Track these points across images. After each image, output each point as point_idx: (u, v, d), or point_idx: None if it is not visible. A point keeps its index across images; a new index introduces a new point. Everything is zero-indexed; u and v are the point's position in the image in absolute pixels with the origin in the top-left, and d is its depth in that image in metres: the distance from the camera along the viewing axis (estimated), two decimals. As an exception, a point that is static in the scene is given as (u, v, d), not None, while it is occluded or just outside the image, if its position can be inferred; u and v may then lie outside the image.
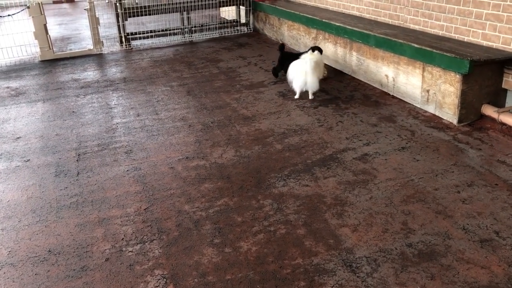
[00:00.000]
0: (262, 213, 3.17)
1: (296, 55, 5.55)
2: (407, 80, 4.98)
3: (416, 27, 5.43)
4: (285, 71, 5.57)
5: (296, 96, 5.28)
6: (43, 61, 7.29)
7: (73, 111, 5.16)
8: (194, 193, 3.44)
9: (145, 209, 3.27)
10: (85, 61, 7.25)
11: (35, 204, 3.39)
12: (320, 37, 6.58)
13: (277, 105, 5.11)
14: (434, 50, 4.46)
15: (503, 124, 4.27)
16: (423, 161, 3.78)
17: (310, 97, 5.23)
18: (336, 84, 5.70)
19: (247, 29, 8.87)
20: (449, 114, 4.48)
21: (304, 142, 4.20)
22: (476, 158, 3.78)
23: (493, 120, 4.36)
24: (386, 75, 5.30)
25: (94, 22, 7.47)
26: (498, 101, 4.49)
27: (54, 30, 9.84)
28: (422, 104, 4.83)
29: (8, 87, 6.08)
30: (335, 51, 6.26)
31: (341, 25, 5.90)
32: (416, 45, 4.69)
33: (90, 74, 6.53)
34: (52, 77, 6.44)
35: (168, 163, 3.91)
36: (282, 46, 6.01)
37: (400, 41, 4.91)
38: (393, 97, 5.20)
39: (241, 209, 3.23)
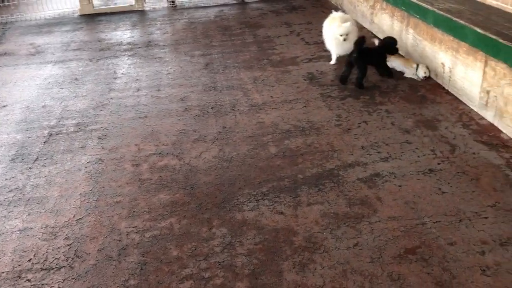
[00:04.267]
0: (206, 248, 2.48)
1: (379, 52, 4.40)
2: (465, 74, 3.85)
3: (493, 3, 4.17)
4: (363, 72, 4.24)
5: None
6: (81, 16, 6.94)
7: (76, 78, 4.71)
8: (141, 205, 2.83)
9: (77, 220, 2.73)
10: (122, 18, 6.77)
11: (-31, 195, 2.99)
12: (378, 6, 5.46)
13: (298, 90, 4.25)
14: (501, 40, 3.30)
15: None
16: (450, 194, 2.81)
17: None
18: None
19: (308, -11, 7.79)
20: (510, 127, 3.36)
21: (307, 147, 3.37)
22: (529, 200, 2.74)
23: None
24: (443, 64, 4.18)
25: (135, -24, 6.92)
26: None
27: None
28: (479, 108, 3.72)
29: (31, 44, 5.80)
30: (391, 25, 5.15)
31: (399, -7, 4.77)
32: (479, 30, 3.54)
33: (118, 34, 6.04)
34: (79, 35, 6.05)
35: (136, 158, 3.31)
36: (362, 39, 4.21)
37: (461, 22, 3.75)
38: (447, 92, 4.09)
39: (184, 238, 2.56)
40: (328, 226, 2.60)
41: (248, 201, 2.83)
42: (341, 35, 4.36)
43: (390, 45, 4.40)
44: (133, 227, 2.65)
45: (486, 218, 2.61)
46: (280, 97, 4.14)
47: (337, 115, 3.80)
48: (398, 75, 4.44)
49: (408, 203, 2.76)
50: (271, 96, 4.16)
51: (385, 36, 4.76)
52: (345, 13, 4.66)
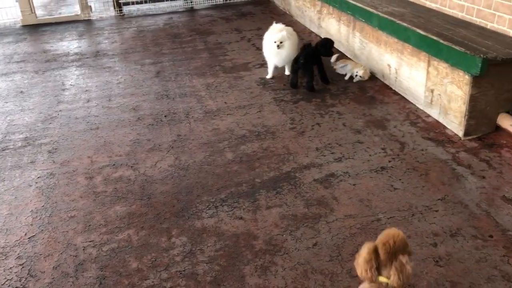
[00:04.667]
0: (166, 258, 2.46)
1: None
2: (410, 74, 4.01)
3: (433, 6, 4.38)
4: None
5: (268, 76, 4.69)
6: (24, 26, 6.70)
7: (21, 91, 4.54)
8: (97, 219, 2.76)
9: (29, 238, 2.63)
10: (68, 28, 6.59)
11: None
12: (325, 11, 5.60)
13: (251, 96, 4.29)
14: (441, 40, 3.47)
15: (522, 142, 3.30)
16: (402, 190, 2.92)
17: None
18: (331, 70, 4.76)
19: (257, -5, 7.88)
20: (454, 123, 3.53)
21: (263, 151, 3.40)
22: (475, 191, 2.88)
23: (511, 135, 3.39)
24: (389, 65, 4.34)
25: (80, -16, 6.76)
26: (521, 110, 3.50)
27: (55, -11, 9.23)
28: (425, 106, 3.88)
29: (-29, 57, 5.54)
30: (338, 29, 5.29)
31: (345, -2, 4.91)
32: (421, 32, 3.70)
33: (64, 45, 5.88)
34: (22, 47, 5.84)
35: (89, 170, 3.23)
36: (308, 46, 4.35)
37: (404, 24, 3.91)
38: (394, 93, 4.25)
39: (144, 249, 2.52)
40: (288, 228, 2.64)
41: (207, 208, 2.82)
42: (275, 42, 4.35)
43: (324, 47, 4.39)
44: (89, 241, 2.58)
45: (436, 211, 2.73)
46: (234, 103, 4.16)
47: (291, 118, 3.86)
48: (349, 79, 4.56)
49: (362, 201, 2.84)
50: (225, 102, 4.17)
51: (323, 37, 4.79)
52: (287, 26, 4.65)
